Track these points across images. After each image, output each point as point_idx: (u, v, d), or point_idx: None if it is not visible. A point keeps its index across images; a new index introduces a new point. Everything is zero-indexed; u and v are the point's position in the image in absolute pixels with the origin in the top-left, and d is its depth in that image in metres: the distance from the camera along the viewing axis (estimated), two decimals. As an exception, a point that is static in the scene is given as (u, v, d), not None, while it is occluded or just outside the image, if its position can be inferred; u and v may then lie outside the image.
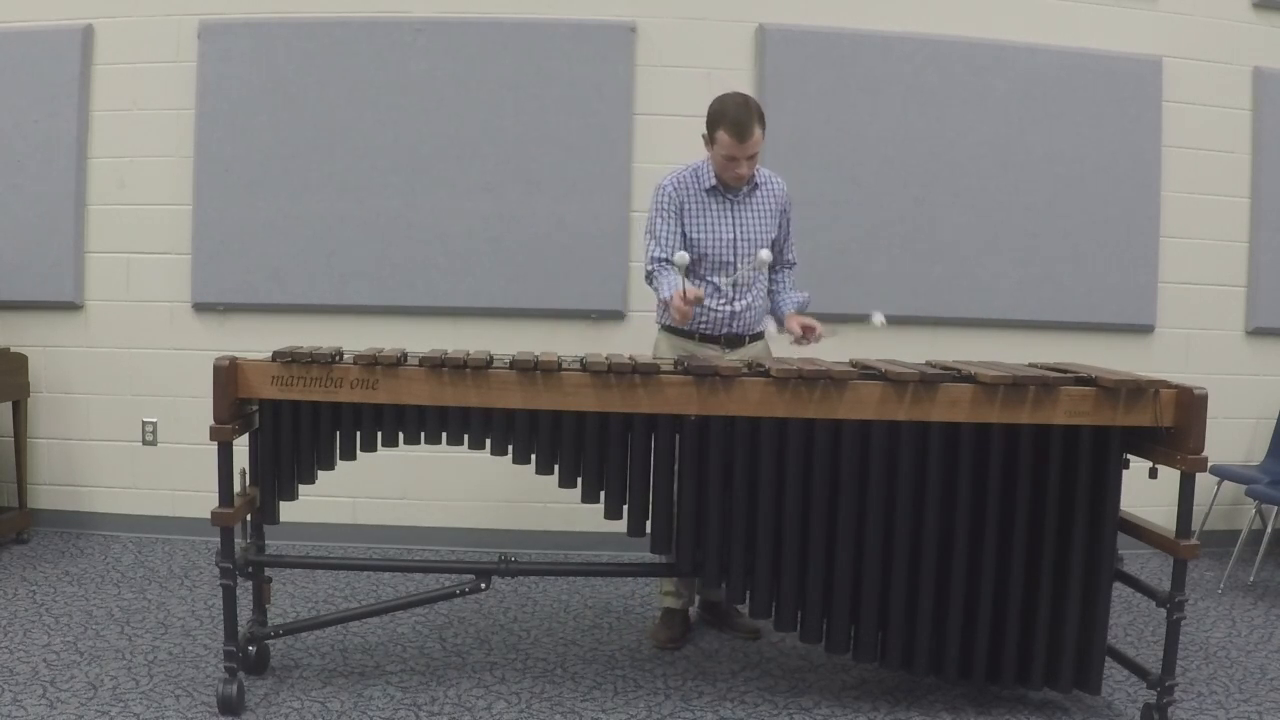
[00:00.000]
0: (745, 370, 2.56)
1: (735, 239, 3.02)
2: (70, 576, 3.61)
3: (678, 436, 2.60)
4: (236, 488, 2.59)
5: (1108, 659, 2.66)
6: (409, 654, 3.00)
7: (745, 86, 4.08)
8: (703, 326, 3.04)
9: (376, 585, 3.61)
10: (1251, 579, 3.93)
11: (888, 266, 4.11)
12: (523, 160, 4.01)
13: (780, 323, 3.15)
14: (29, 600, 3.34)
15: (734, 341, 3.06)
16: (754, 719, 2.64)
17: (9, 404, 3.97)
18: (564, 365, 2.55)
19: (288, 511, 2.71)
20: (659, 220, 3.01)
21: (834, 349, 3.01)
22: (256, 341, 3.56)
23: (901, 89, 4.08)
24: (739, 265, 3.00)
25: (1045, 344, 4.12)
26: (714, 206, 3.02)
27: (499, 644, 3.11)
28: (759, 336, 3.15)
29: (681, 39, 4.07)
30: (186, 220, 4.05)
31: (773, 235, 3.10)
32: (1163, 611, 2.55)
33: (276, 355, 2.55)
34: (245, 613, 2.76)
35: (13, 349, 4.00)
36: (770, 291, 3.21)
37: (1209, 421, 2.48)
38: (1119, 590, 2.76)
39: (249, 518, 2.75)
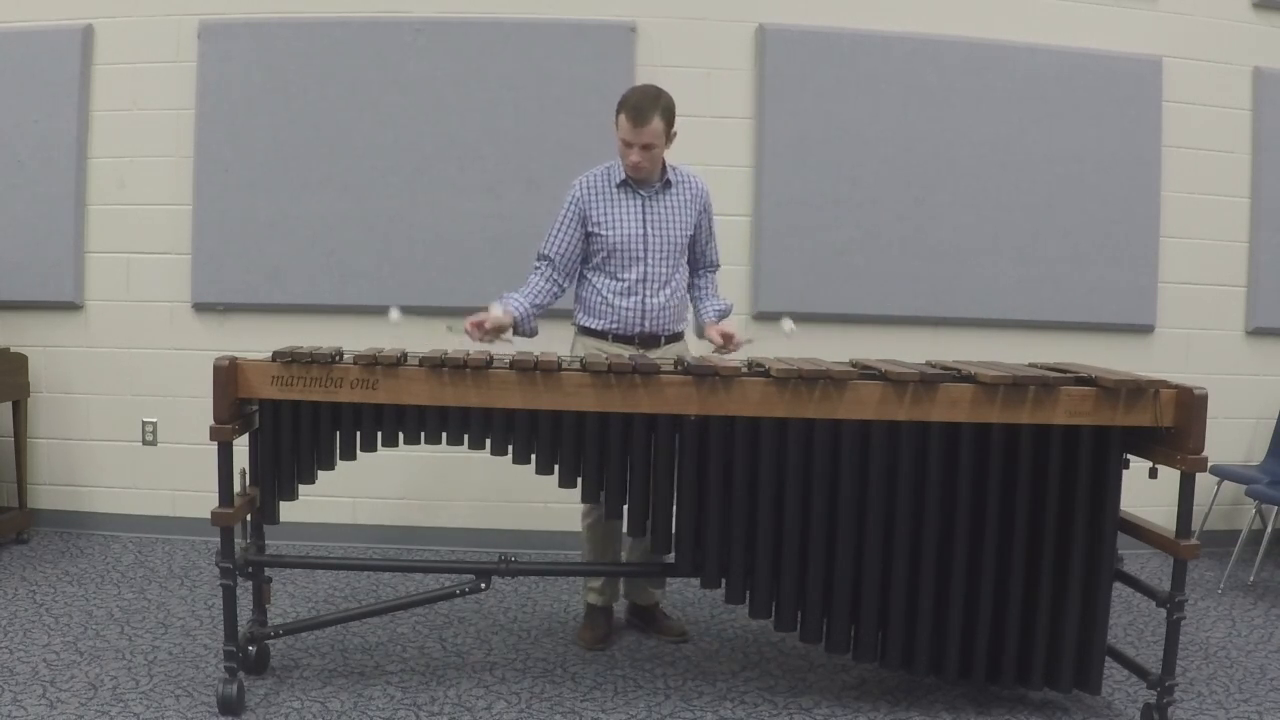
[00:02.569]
0: (745, 370, 2.56)
1: (645, 234, 3.00)
2: (70, 576, 3.61)
3: (678, 436, 2.60)
4: (236, 488, 2.59)
5: (1108, 659, 2.66)
6: (409, 654, 3.00)
7: (745, 86, 4.09)
8: (615, 326, 3.02)
9: (376, 585, 3.61)
10: (1251, 579, 3.93)
11: (888, 266, 4.11)
12: (523, 160, 4.01)
13: (699, 331, 3.10)
14: (29, 600, 3.34)
15: (649, 341, 3.03)
16: (754, 719, 2.64)
17: (9, 404, 3.97)
18: (564, 365, 2.55)
19: (288, 511, 2.71)
20: (558, 218, 3.05)
21: (833, 349, 3.01)
22: (256, 341, 3.56)
23: (901, 89, 4.07)
24: (650, 261, 2.99)
25: (1045, 344, 4.12)
26: (624, 202, 3.02)
27: (499, 644, 3.11)
28: (676, 336, 3.12)
29: (681, 39, 4.07)
30: (186, 220, 4.05)
31: (689, 233, 3.08)
32: (1163, 611, 2.55)
33: (276, 355, 2.55)
34: (245, 613, 2.76)
35: (13, 349, 4.00)
36: (694, 299, 3.20)
37: (1209, 421, 2.48)
38: (1119, 590, 2.76)
39: (249, 518, 2.75)
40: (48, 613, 3.24)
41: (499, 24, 4.00)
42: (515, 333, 2.92)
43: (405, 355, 2.58)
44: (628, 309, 3.00)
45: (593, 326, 3.06)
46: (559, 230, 3.05)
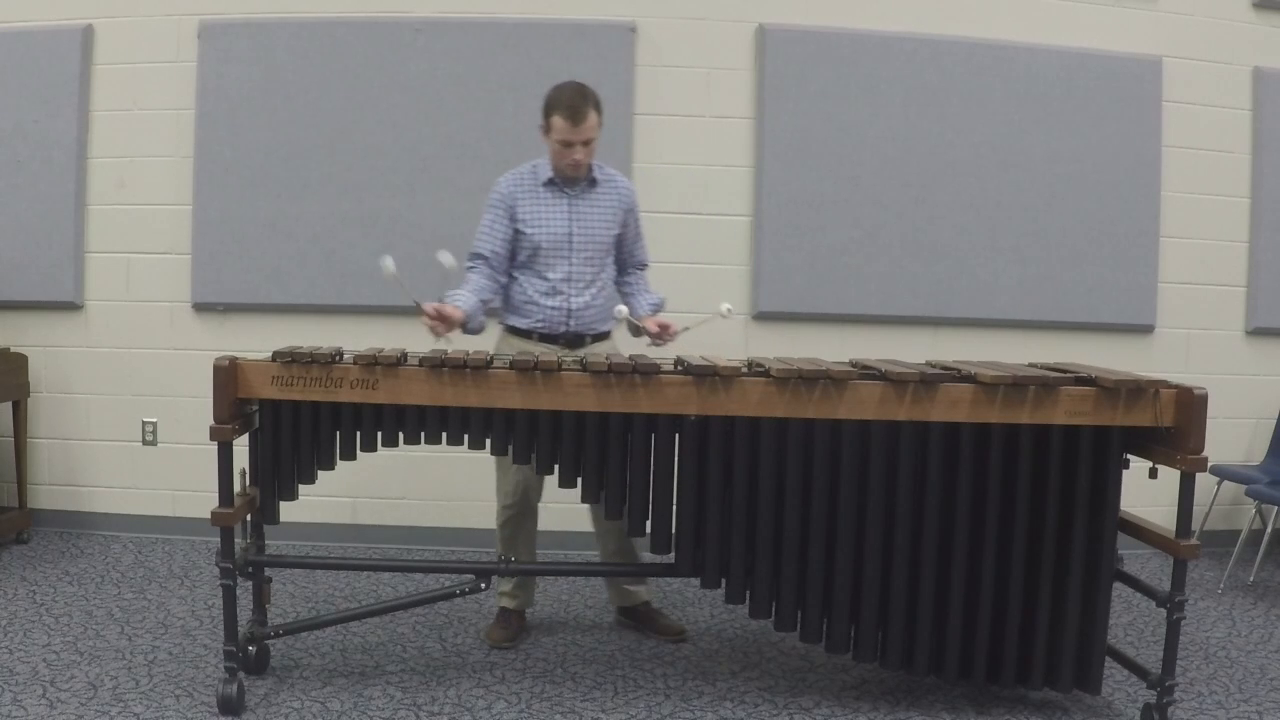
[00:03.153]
0: (745, 370, 2.56)
1: (571, 233, 3.00)
2: (70, 576, 3.61)
3: (678, 436, 2.60)
4: (236, 488, 2.59)
5: (1108, 659, 2.66)
6: (409, 654, 3.00)
7: (745, 86, 4.09)
8: (540, 325, 3.02)
9: (376, 585, 3.61)
10: (1251, 579, 3.93)
11: (888, 266, 4.11)
12: (522, 160, 3.98)
13: (637, 326, 3.08)
14: (29, 600, 3.34)
15: (574, 341, 3.03)
16: (754, 719, 2.64)
17: (9, 404, 3.97)
18: (564, 365, 2.55)
19: (288, 511, 2.71)
20: (486, 216, 3.04)
21: (833, 349, 3.01)
22: (256, 341, 3.56)
23: (901, 89, 4.07)
24: (575, 260, 2.99)
25: (1045, 344, 4.12)
26: (549, 200, 3.02)
27: (499, 644, 3.11)
28: (603, 336, 3.11)
29: (681, 39, 4.07)
30: (186, 220, 4.05)
31: (614, 232, 3.08)
32: (1163, 611, 2.55)
33: (276, 355, 2.55)
34: (245, 613, 2.76)
35: (13, 349, 4.00)
36: (625, 294, 3.18)
37: (1209, 421, 2.48)
38: (1119, 590, 2.76)
39: (249, 518, 2.75)
40: (48, 613, 3.24)
41: (499, 24, 4.00)
42: (464, 330, 2.91)
43: (405, 355, 2.59)
44: (553, 308, 3.00)
45: (519, 326, 3.05)
46: (490, 228, 3.02)
